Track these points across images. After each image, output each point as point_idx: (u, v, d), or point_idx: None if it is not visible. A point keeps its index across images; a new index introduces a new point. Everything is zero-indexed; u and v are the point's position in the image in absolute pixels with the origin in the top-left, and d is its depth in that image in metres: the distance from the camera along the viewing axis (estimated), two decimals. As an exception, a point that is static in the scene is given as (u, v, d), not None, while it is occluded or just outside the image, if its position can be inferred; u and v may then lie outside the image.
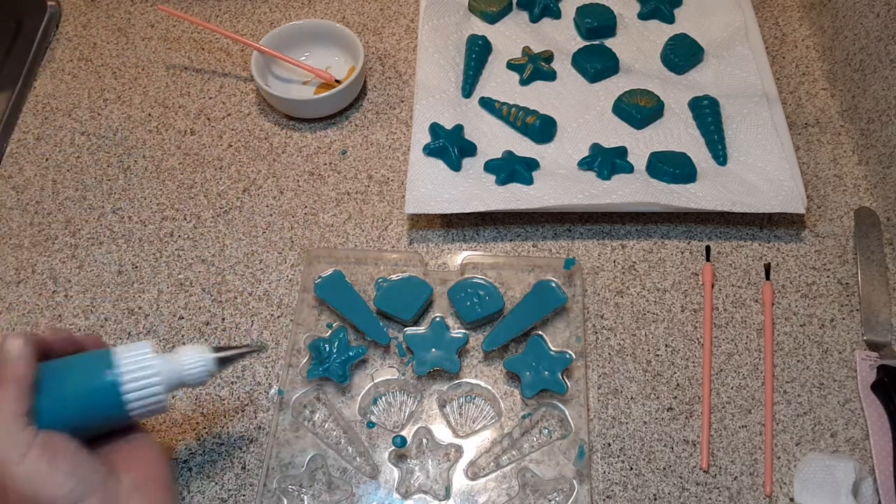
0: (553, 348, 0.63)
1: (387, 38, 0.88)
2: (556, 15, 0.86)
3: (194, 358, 0.52)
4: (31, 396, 0.44)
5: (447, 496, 0.58)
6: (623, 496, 0.59)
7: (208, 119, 0.81)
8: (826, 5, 0.83)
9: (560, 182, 0.72)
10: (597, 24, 0.84)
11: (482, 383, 0.64)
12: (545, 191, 0.71)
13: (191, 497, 0.59)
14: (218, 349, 0.53)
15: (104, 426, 0.49)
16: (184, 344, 0.50)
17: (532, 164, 0.73)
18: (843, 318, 0.68)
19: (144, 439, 0.50)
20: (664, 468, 0.61)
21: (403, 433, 0.60)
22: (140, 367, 0.49)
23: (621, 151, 0.74)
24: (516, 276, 0.69)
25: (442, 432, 0.61)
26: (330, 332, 0.65)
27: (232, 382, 0.65)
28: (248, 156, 0.78)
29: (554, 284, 0.66)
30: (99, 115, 0.82)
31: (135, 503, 0.44)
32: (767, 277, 0.69)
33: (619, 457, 0.61)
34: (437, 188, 0.72)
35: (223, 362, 0.53)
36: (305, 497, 0.59)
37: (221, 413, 0.63)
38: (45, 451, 0.42)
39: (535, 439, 0.61)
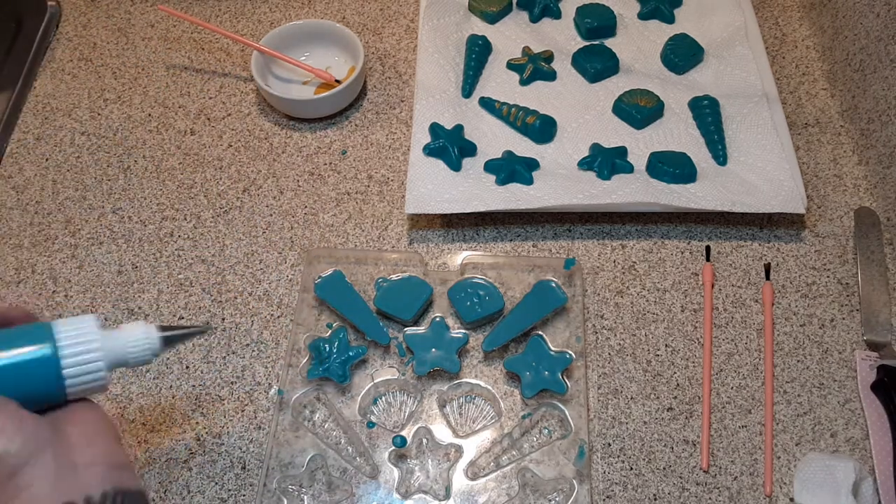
0: (553, 348, 0.63)
1: (387, 38, 0.88)
2: (556, 15, 0.86)
3: (139, 335, 0.48)
4: None
5: (447, 496, 0.58)
6: (623, 496, 0.59)
7: (208, 119, 0.81)
8: (826, 5, 0.83)
9: (560, 182, 0.72)
10: (597, 24, 0.84)
11: (482, 383, 0.64)
12: (545, 191, 0.71)
13: (191, 497, 0.59)
14: (164, 328, 0.49)
15: (39, 402, 0.45)
16: (134, 321, 0.49)
17: (532, 164, 0.73)
18: (843, 318, 0.68)
19: (80, 401, 0.46)
20: (664, 468, 0.61)
21: (403, 433, 0.60)
22: (81, 342, 0.45)
23: (621, 151, 0.74)
24: (516, 276, 0.69)
25: (442, 432, 0.61)
26: (330, 332, 0.65)
27: (232, 382, 0.65)
28: (248, 156, 0.78)
29: (554, 284, 0.66)
30: (99, 115, 0.82)
31: (87, 456, 0.41)
32: (767, 277, 0.70)
33: (619, 457, 0.61)
34: (437, 188, 0.72)
35: (168, 342, 0.49)
36: (305, 497, 0.59)
37: (221, 413, 0.63)
38: None
39: (535, 439, 0.61)
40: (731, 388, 0.64)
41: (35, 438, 0.40)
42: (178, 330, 0.50)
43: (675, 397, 0.64)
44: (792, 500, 0.59)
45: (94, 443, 0.42)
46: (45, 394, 0.44)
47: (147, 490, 0.59)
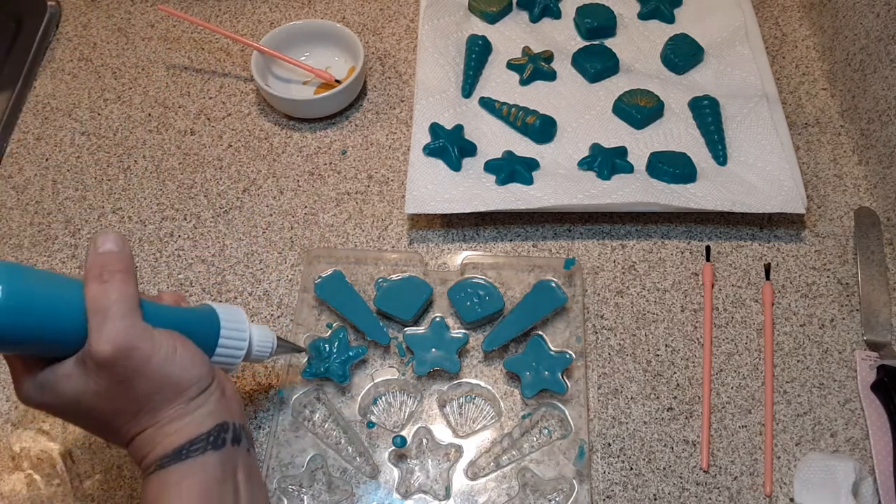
0: (553, 348, 0.63)
1: (387, 38, 0.88)
2: (556, 15, 0.86)
3: (267, 337, 0.56)
4: (136, 291, 0.46)
5: (447, 496, 0.58)
6: (623, 496, 0.59)
7: (208, 119, 0.81)
8: (826, 5, 0.83)
9: (560, 182, 0.72)
10: (597, 24, 0.84)
11: (482, 383, 0.64)
12: (545, 191, 0.71)
13: (191, 497, 0.59)
14: (278, 337, 0.58)
15: None
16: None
17: (532, 164, 0.73)
18: (843, 318, 0.68)
19: None
20: (664, 468, 0.61)
21: (403, 433, 0.60)
22: (236, 329, 0.53)
23: (621, 151, 0.74)
24: (516, 276, 0.69)
25: (442, 432, 0.61)
26: (330, 332, 0.65)
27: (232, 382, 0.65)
28: (248, 156, 0.78)
29: (554, 284, 0.66)
30: (99, 115, 0.82)
31: (231, 392, 0.50)
32: (767, 277, 0.70)
33: (619, 457, 0.61)
34: (437, 188, 0.72)
35: (279, 349, 0.58)
36: (305, 497, 0.59)
37: (221, 413, 0.63)
38: (179, 341, 0.47)
39: (535, 439, 0.61)
40: (731, 388, 0.64)
41: (209, 371, 0.48)
42: (287, 343, 0.60)
43: (675, 397, 0.64)
44: (792, 500, 0.59)
45: (232, 383, 0.51)
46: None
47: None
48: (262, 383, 0.65)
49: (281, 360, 0.65)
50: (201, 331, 0.51)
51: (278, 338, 0.58)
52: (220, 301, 0.69)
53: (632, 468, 0.61)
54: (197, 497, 0.45)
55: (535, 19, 0.86)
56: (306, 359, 0.63)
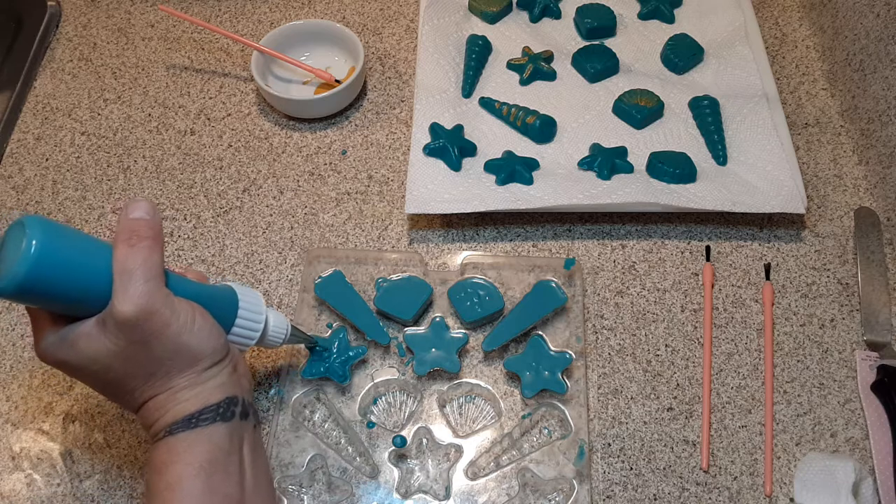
0: (553, 348, 0.63)
1: (387, 38, 0.88)
2: (556, 15, 0.86)
3: (282, 323, 0.57)
4: (162, 259, 0.47)
5: (447, 496, 0.58)
6: (623, 496, 0.59)
7: (208, 119, 0.81)
8: (826, 5, 0.83)
9: (560, 182, 0.72)
10: (597, 24, 0.84)
11: (482, 383, 0.64)
12: (545, 191, 0.71)
13: (191, 497, 0.59)
14: (292, 325, 0.59)
15: None
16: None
17: (532, 164, 0.73)
18: (843, 318, 0.68)
19: None
20: (664, 468, 0.61)
21: (403, 433, 0.60)
22: (253, 311, 0.54)
23: (621, 151, 0.74)
24: (516, 276, 0.69)
25: (442, 432, 0.61)
26: (330, 332, 0.65)
27: (232, 382, 0.65)
28: (248, 156, 0.78)
29: (554, 284, 0.66)
30: (99, 115, 0.82)
31: (243, 369, 0.52)
32: (767, 277, 0.70)
33: (619, 457, 0.61)
34: (437, 188, 0.72)
35: (293, 336, 0.59)
36: (305, 497, 0.59)
37: (221, 413, 0.63)
38: (199, 312, 0.48)
39: (535, 439, 0.61)
40: (731, 388, 0.64)
41: (225, 347, 0.50)
42: (300, 333, 0.60)
43: (675, 397, 0.64)
44: (792, 500, 0.59)
45: (244, 361, 0.53)
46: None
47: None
48: (262, 383, 0.65)
49: (281, 360, 0.65)
50: (220, 307, 0.52)
51: (293, 326, 0.58)
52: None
53: (632, 468, 0.61)
54: (204, 465, 0.46)
55: (535, 19, 0.86)
56: (307, 358, 0.63)
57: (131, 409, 0.49)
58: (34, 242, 0.41)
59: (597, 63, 0.80)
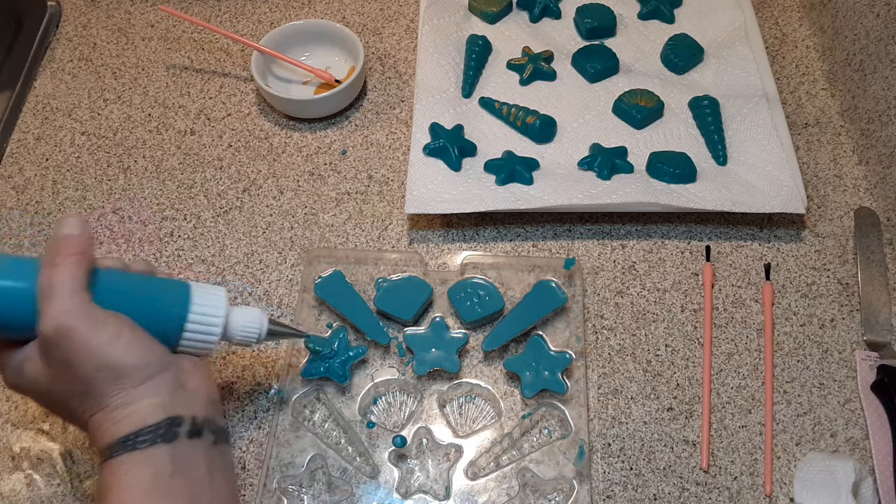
0: (553, 348, 0.63)
1: (387, 38, 0.88)
2: (556, 15, 0.86)
3: (253, 320, 0.54)
4: (88, 273, 0.47)
5: (447, 496, 0.58)
6: (623, 496, 0.59)
7: (208, 119, 0.81)
8: (826, 5, 0.83)
9: (560, 182, 0.72)
10: (597, 24, 0.84)
11: (482, 383, 0.64)
12: (545, 191, 0.71)
13: (191, 497, 0.59)
14: (273, 321, 0.56)
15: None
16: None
17: (532, 164, 0.73)
18: (843, 318, 0.68)
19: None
20: (664, 468, 0.61)
21: (403, 433, 0.60)
22: (210, 310, 0.51)
23: (621, 151, 0.74)
24: (516, 276, 0.69)
25: (442, 432, 0.61)
26: (330, 332, 0.65)
27: (232, 382, 0.65)
28: (248, 156, 0.78)
29: (554, 284, 0.66)
30: (99, 115, 0.82)
31: (195, 383, 0.49)
32: (767, 277, 0.70)
33: (619, 457, 0.61)
34: (437, 188, 0.72)
35: (272, 334, 0.56)
36: (305, 497, 0.59)
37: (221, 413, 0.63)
38: (127, 326, 0.46)
39: (535, 439, 0.61)
40: (731, 388, 0.64)
41: (160, 357, 0.47)
42: (284, 327, 0.57)
43: (675, 397, 0.64)
44: (792, 500, 0.59)
45: (200, 376, 0.50)
46: (162, 339, 0.49)
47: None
48: (262, 383, 0.65)
49: (281, 360, 0.65)
50: (166, 309, 0.50)
51: (274, 322, 0.56)
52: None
53: (632, 468, 0.61)
54: (144, 490, 0.44)
55: (535, 19, 0.86)
56: (306, 358, 0.63)
57: (83, 430, 0.48)
58: None
59: (597, 63, 0.80)
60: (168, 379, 0.48)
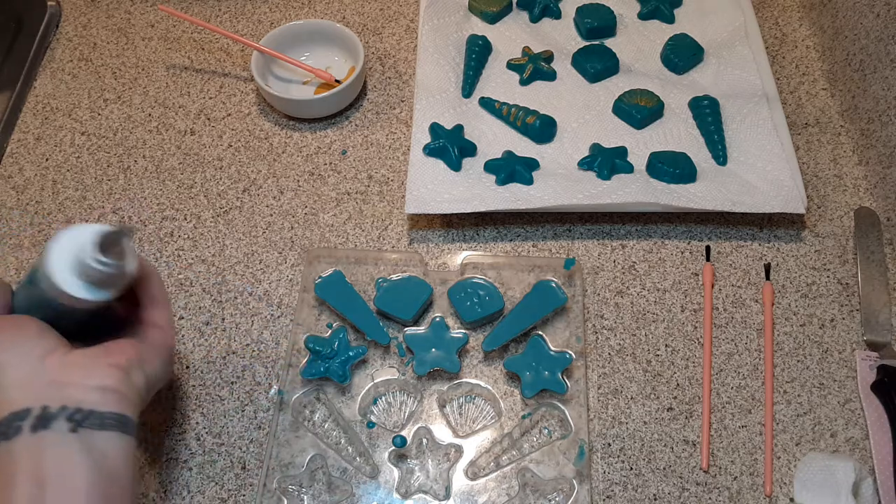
0: (553, 348, 0.63)
1: (387, 38, 0.88)
2: (556, 15, 0.86)
3: (76, 236, 0.47)
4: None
5: (447, 496, 0.58)
6: (623, 496, 0.59)
7: (208, 119, 0.81)
8: (826, 5, 0.84)
9: (560, 182, 0.72)
10: (597, 24, 0.84)
11: (482, 383, 0.64)
12: (545, 191, 0.71)
13: (191, 497, 0.59)
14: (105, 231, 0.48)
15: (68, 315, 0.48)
16: None
17: (532, 164, 0.73)
18: (843, 318, 0.68)
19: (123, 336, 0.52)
20: (664, 468, 0.61)
21: (403, 433, 0.60)
22: (64, 250, 0.46)
23: (621, 151, 0.74)
24: (516, 276, 0.69)
25: (442, 432, 0.61)
26: (330, 332, 0.65)
27: (232, 382, 0.65)
28: (248, 156, 0.78)
29: (554, 284, 0.66)
30: (99, 115, 0.82)
31: (55, 372, 0.45)
32: (767, 277, 0.70)
33: (619, 457, 0.61)
34: (437, 188, 0.72)
35: (108, 247, 0.47)
36: (305, 497, 0.59)
37: (221, 413, 0.63)
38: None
39: (535, 439, 0.61)
40: (731, 388, 0.64)
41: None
42: (113, 232, 0.48)
43: (675, 397, 0.64)
44: (792, 500, 0.59)
45: (66, 366, 0.45)
46: (61, 305, 0.47)
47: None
48: (262, 383, 0.65)
49: (281, 360, 0.65)
50: (34, 282, 0.48)
51: (106, 232, 0.47)
52: (220, 301, 0.69)
53: (632, 468, 0.61)
54: None
55: (535, 19, 0.86)
56: (306, 358, 0.63)
57: None
58: None
59: (597, 63, 0.80)
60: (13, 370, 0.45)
